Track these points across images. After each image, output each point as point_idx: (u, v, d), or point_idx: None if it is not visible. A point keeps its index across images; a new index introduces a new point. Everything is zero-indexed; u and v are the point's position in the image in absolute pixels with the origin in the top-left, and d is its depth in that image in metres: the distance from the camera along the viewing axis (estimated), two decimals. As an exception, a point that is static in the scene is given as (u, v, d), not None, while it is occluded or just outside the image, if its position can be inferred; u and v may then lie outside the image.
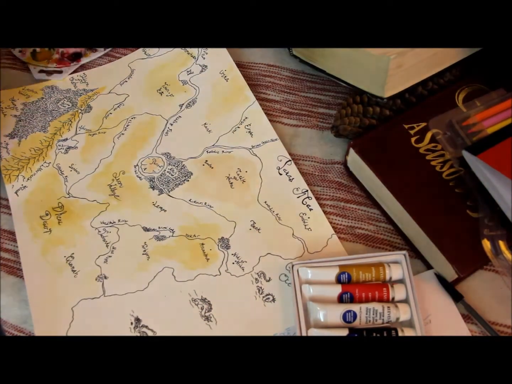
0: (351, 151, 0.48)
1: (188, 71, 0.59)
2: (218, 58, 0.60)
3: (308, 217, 0.48)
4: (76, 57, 0.61)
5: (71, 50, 0.61)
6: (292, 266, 0.43)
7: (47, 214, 0.50)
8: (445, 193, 0.44)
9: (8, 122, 0.56)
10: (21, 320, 0.45)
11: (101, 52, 0.61)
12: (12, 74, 0.61)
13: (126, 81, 0.59)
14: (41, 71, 0.60)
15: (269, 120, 0.54)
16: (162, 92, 0.58)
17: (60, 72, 0.60)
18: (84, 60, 0.61)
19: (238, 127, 0.55)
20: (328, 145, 0.53)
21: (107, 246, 0.48)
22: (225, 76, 0.58)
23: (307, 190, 0.50)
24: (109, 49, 0.61)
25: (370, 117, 0.50)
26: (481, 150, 0.41)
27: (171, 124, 0.55)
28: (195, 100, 0.57)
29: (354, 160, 0.48)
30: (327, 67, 0.54)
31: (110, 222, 0.49)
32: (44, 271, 0.46)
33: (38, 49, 0.62)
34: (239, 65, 0.59)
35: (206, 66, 0.60)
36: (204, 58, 0.60)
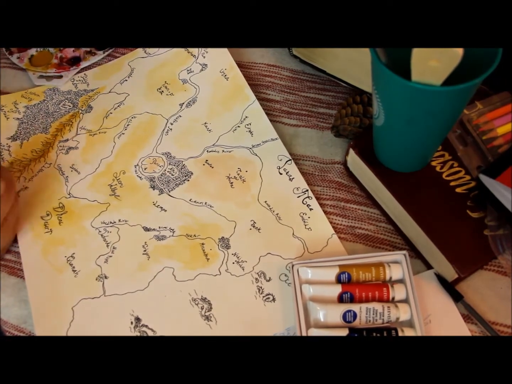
0: (351, 151, 0.48)
1: (188, 70, 0.59)
2: (218, 57, 0.60)
3: (308, 217, 0.48)
4: (76, 61, 0.61)
5: (70, 54, 0.61)
6: (292, 266, 0.43)
7: (48, 215, 0.50)
8: (445, 193, 0.44)
9: (10, 125, 0.56)
10: (21, 320, 0.45)
11: (100, 55, 0.61)
12: (12, 74, 0.61)
13: (126, 80, 0.59)
14: (40, 77, 0.60)
15: (269, 120, 0.54)
16: (162, 91, 0.58)
17: (60, 77, 0.60)
18: (83, 64, 0.60)
19: (238, 126, 0.55)
20: (328, 145, 0.53)
21: (107, 246, 0.48)
22: (225, 75, 0.58)
23: (307, 190, 0.50)
24: (108, 52, 0.61)
25: (370, 117, 0.50)
26: (498, 173, 0.41)
27: (171, 124, 0.55)
28: (195, 99, 0.57)
29: (354, 161, 0.48)
30: (327, 67, 0.55)
31: (111, 222, 0.49)
32: (44, 271, 0.46)
33: (35, 54, 0.61)
34: (239, 65, 0.59)
35: (206, 65, 0.60)
36: (204, 57, 0.60)
